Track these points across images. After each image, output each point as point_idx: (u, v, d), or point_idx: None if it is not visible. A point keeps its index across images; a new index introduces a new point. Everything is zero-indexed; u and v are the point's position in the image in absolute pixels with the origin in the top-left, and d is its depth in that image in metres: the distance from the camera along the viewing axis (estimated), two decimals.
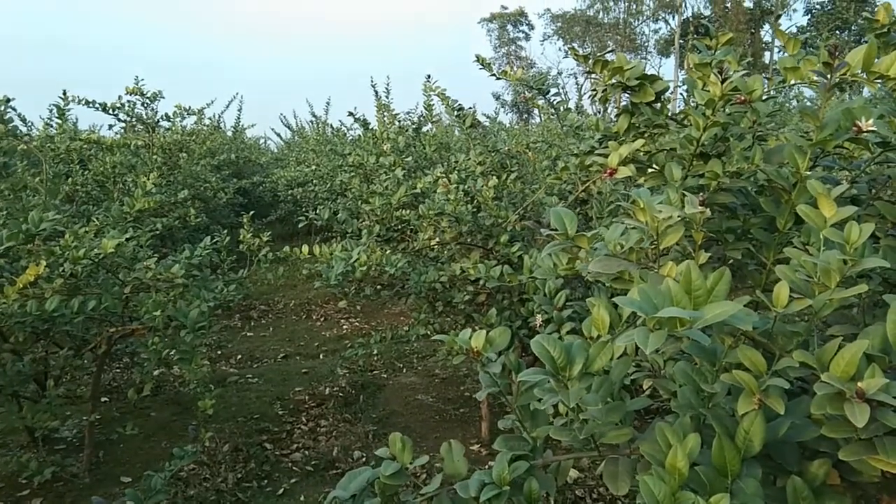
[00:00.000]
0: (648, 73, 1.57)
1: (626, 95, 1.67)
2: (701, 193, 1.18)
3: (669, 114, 1.61)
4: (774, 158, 1.52)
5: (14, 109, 4.85)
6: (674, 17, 39.62)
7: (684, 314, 0.74)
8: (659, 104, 1.59)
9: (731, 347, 1.03)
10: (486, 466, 3.39)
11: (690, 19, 38.14)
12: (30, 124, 6.46)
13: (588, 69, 1.63)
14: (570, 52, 1.63)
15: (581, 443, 1.11)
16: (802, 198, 1.36)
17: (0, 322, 2.67)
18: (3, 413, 3.09)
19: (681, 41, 37.54)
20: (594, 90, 1.60)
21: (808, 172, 1.38)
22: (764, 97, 1.55)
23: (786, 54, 1.60)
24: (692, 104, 1.55)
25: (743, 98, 1.43)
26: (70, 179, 5.09)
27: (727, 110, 1.49)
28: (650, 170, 1.62)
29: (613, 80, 1.56)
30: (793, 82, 1.53)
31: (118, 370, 4.89)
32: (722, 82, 1.27)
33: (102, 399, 4.24)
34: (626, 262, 1.00)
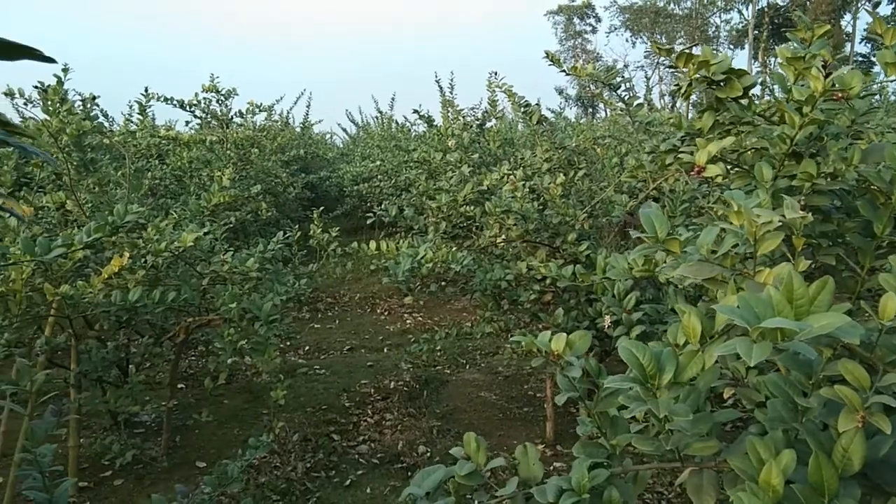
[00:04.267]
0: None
1: (698, 92, 1.61)
2: (801, 197, 1.12)
3: (757, 110, 1.54)
4: (871, 158, 1.43)
5: (98, 106, 5.10)
6: (748, 6, 38.13)
7: (792, 325, 0.70)
8: (746, 100, 1.52)
9: (829, 360, 0.98)
10: (552, 468, 3.35)
11: (766, 9, 36.60)
12: (111, 120, 6.78)
13: (670, 63, 1.58)
14: (652, 46, 1.59)
15: (663, 453, 1.08)
16: None
17: (86, 310, 2.81)
18: (87, 397, 3.26)
19: (755, 32, 36.10)
20: (678, 85, 1.55)
21: None
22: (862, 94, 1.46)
23: (873, 47, 1.50)
24: (783, 100, 1.48)
25: (840, 94, 1.35)
26: (150, 174, 5.32)
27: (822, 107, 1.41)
28: (736, 169, 1.56)
29: (698, 75, 1.50)
30: (892, 78, 1.45)
31: (193, 358, 5.08)
32: (825, 77, 1.21)
33: (179, 386, 4.42)
34: (720, 267, 0.96)
